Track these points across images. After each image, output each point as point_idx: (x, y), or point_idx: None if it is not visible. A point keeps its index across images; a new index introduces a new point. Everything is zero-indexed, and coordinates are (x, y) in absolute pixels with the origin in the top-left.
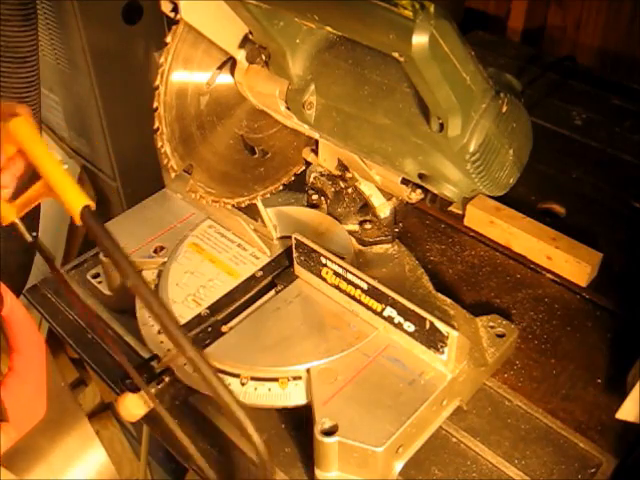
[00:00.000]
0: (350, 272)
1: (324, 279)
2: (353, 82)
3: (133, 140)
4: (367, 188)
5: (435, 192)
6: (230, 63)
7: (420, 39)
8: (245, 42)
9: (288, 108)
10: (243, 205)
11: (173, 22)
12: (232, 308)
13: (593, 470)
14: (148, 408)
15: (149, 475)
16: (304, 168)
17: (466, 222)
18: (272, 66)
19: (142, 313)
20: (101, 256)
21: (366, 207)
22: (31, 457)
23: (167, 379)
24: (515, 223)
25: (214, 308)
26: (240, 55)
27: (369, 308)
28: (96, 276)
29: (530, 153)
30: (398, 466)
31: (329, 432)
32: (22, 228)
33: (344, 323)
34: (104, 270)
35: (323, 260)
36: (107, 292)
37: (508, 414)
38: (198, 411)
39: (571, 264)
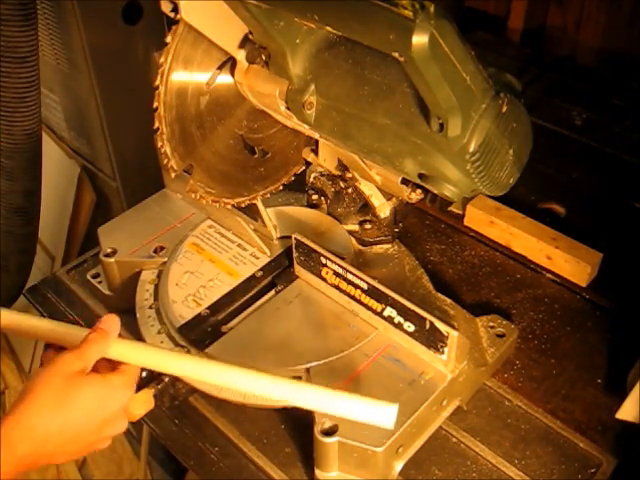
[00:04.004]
0: (350, 272)
1: (324, 279)
2: (353, 82)
3: (133, 140)
4: (367, 188)
5: (435, 192)
6: (230, 63)
7: (420, 39)
8: (245, 42)
9: (288, 108)
10: (243, 205)
11: (173, 22)
12: (232, 308)
13: (593, 470)
14: (148, 408)
15: (149, 475)
16: (304, 168)
17: (466, 222)
18: (272, 66)
19: (142, 313)
20: (101, 256)
21: (366, 207)
22: None
23: (167, 379)
24: (515, 223)
25: (214, 308)
26: (240, 55)
27: (369, 308)
28: (96, 276)
29: (530, 153)
30: (398, 466)
31: (329, 432)
32: None
33: (344, 323)
34: (104, 270)
35: (323, 260)
36: (107, 292)
37: (508, 414)
38: (198, 411)
39: (571, 264)
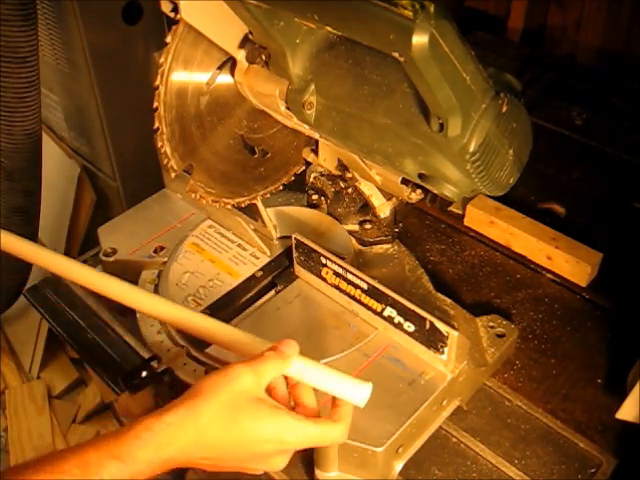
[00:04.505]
0: (350, 272)
1: (324, 279)
2: (353, 82)
3: (133, 140)
4: (367, 188)
5: (435, 192)
6: (230, 63)
7: (420, 39)
8: (245, 42)
9: (288, 108)
10: (243, 205)
11: (173, 22)
12: (232, 308)
13: (593, 470)
14: (148, 408)
15: None
16: (304, 168)
17: (466, 222)
18: (272, 66)
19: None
20: (101, 256)
21: (366, 207)
22: None
23: (167, 379)
24: (515, 223)
25: (214, 308)
26: (240, 55)
27: (369, 308)
28: None
29: (530, 153)
30: (398, 466)
31: None
32: None
33: (344, 323)
34: (104, 270)
35: (323, 260)
36: None
37: (508, 414)
38: None
39: (571, 264)
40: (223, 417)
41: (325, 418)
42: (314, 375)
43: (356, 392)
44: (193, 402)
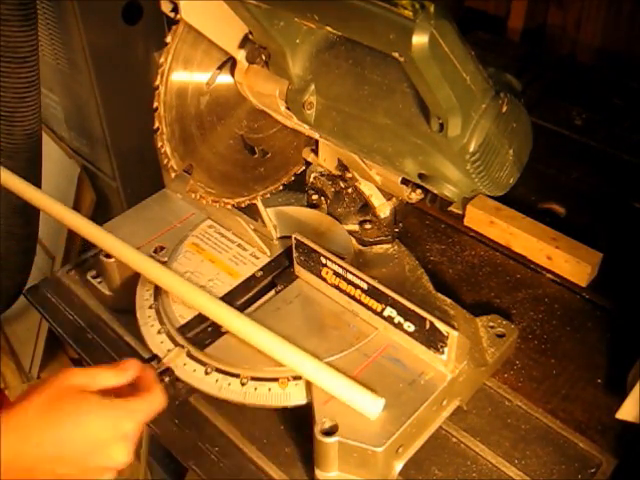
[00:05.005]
0: (350, 272)
1: (324, 279)
2: (353, 82)
3: (133, 140)
4: (367, 188)
5: (435, 192)
6: (230, 63)
7: (420, 39)
8: (245, 42)
9: (288, 108)
10: (243, 205)
11: (173, 22)
12: (232, 308)
13: (593, 470)
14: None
15: (149, 475)
16: (304, 168)
17: (466, 222)
18: (272, 66)
19: (142, 313)
20: (101, 256)
21: (366, 207)
22: None
23: (167, 379)
24: (515, 223)
25: None
26: (240, 55)
27: (369, 308)
28: (96, 276)
29: (530, 153)
30: (398, 466)
31: (329, 432)
32: None
33: (344, 323)
34: (104, 270)
35: (323, 260)
36: (107, 292)
37: (508, 414)
38: (198, 411)
39: (571, 264)
40: (50, 409)
41: (140, 392)
42: (334, 384)
43: (370, 405)
44: (21, 400)
